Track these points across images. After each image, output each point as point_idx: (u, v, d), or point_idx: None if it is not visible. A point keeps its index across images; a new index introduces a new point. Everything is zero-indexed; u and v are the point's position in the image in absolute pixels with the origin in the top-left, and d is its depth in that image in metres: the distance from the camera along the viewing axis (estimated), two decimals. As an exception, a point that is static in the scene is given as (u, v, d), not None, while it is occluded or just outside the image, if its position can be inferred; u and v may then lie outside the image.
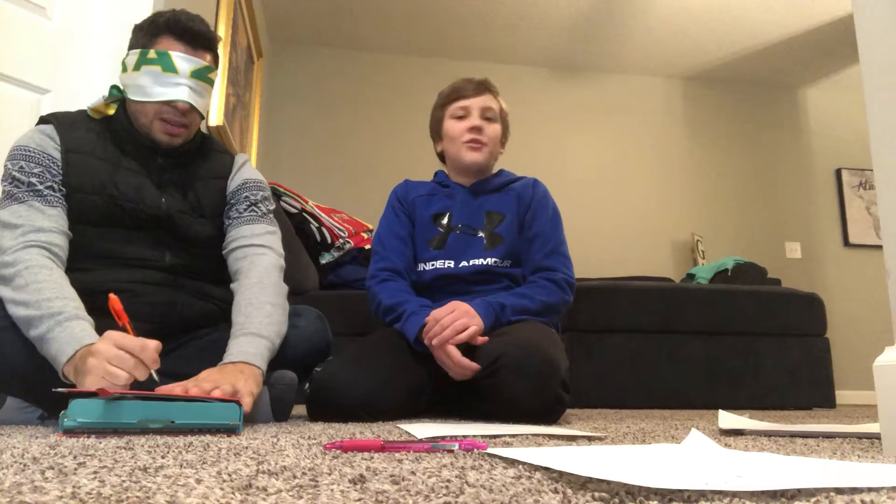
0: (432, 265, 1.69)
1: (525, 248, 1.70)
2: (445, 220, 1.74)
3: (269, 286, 1.35)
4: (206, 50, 1.39)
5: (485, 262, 1.66)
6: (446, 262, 1.69)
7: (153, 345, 1.05)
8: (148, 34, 1.37)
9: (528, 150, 4.66)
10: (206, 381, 1.09)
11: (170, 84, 1.33)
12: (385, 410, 1.41)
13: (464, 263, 1.67)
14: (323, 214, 2.90)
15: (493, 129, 1.75)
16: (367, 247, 2.87)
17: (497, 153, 1.80)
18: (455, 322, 1.46)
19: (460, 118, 1.76)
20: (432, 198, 1.79)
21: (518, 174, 1.85)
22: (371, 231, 2.98)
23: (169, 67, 1.33)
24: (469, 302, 1.53)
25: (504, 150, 1.84)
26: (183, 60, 1.34)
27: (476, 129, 1.73)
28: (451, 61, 4.75)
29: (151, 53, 1.33)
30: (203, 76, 1.37)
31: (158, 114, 1.35)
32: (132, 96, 1.35)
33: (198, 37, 1.37)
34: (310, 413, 1.43)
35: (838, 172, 5.07)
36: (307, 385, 1.43)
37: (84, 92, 1.97)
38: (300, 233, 2.81)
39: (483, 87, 1.78)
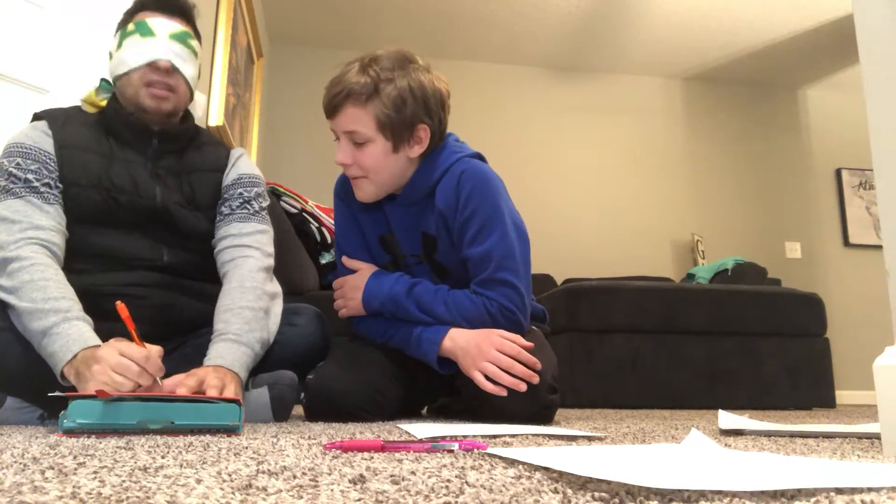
0: None
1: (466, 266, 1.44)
2: (394, 246, 1.51)
3: (250, 290, 1.33)
4: (183, 18, 1.41)
5: None
6: None
7: (156, 352, 1.05)
8: (128, 14, 1.41)
9: (528, 149, 4.66)
10: (192, 378, 1.10)
11: (149, 46, 1.35)
12: (384, 412, 1.40)
13: None
14: (323, 214, 2.89)
15: (367, 155, 1.36)
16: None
17: (399, 167, 1.40)
18: (519, 364, 1.30)
19: (337, 139, 1.41)
20: (371, 212, 1.50)
21: (469, 150, 1.46)
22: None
23: (146, 32, 1.35)
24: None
25: (432, 135, 1.40)
26: (160, 24, 1.36)
27: (346, 168, 1.40)
28: (451, 61, 4.74)
29: (130, 26, 1.37)
30: (183, 40, 1.38)
31: (142, 79, 1.35)
32: (118, 72, 1.37)
33: (171, 4, 1.39)
34: (309, 420, 1.42)
35: (838, 172, 5.07)
36: (302, 395, 1.41)
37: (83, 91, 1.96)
38: (300, 233, 2.80)
39: (337, 102, 1.34)
